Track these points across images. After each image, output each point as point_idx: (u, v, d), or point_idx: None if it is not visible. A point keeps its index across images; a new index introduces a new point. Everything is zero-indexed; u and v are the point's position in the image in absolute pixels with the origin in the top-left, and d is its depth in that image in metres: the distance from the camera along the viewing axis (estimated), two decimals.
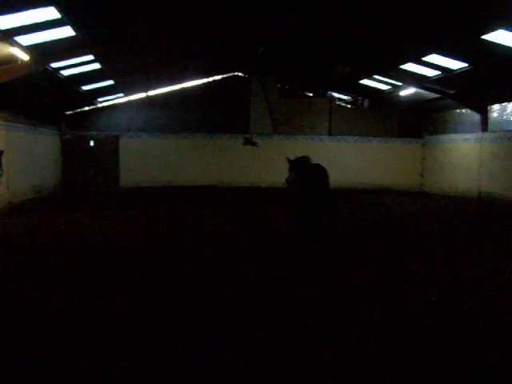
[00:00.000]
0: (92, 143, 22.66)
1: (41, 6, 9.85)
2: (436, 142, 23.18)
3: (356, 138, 24.08)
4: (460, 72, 16.27)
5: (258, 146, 22.85)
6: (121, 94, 22.48)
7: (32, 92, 16.04)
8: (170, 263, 8.17)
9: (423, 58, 16.19)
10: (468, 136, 20.78)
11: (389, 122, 24.52)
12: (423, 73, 17.89)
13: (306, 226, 9.25)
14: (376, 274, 7.63)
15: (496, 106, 19.65)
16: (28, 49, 11.64)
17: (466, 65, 15.69)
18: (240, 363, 4.34)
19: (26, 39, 11.43)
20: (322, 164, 9.43)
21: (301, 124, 23.85)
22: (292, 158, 9.70)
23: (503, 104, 19.27)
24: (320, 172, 9.19)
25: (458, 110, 21.93)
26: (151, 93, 23.36)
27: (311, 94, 26.26)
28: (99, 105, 22.95)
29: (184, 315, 5.58)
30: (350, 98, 26.76)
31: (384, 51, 16.58)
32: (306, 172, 9.26)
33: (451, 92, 19.15)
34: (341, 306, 5.99)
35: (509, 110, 19.17)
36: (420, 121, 24.36)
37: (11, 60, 11.90)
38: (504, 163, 18.45)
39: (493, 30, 12.34)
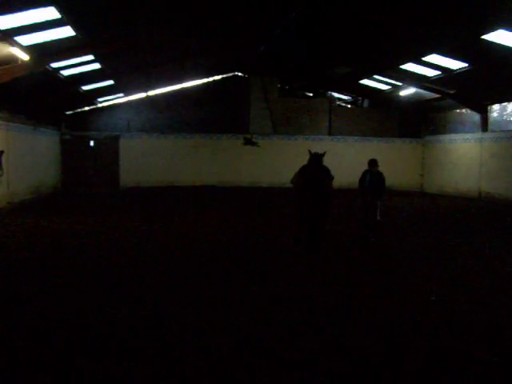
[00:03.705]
0: (92, 143, 22.65)
1: (41, 6, 9.85)
2: (436, 142, 23.18)
3: (356, 137, 24.10)
4: (460, 72, 16.27)
5: (258, 146, 22.86)
6: (121, 94, 22.48)
7: (32, 92, 16.03)
8: (168, 264, 8.18)
9: (423, 58, 16.17)
10: (468, 136, 20.79)
11: (389, 122, 24.53)
12: (423, 73, 17.88)
13: (306, 225, 9.25)
14: (376, 274, 7.64)
15: (496, 106, 19.65)
16: (28, 49, 11.64)
17: (466, 65, 15.69)
18: (240, 363, 4.35)
19: (26, 39, 11.42)
20: (323, 164, 9.41)
21: (301, 124, 23.85)
22: (313, 151, 9.62)
23: (503, 104, 19.27)
24: (322, 173, 9.18)
25: (457, 110, 21.93)
26: (151, 93, 23.35)
27: (311, 94, 26.26)
28: (99, 105, 22.95)
29: (184, 314, 5.59)
30: (350, 98, 26.77)
31: (384, 51, 16.57)
32: (307, 172, 9.24)
33: (451, 92, 19.15)
34: (341, 306, 5.99)
35: (509, 110, 19.17)
36: (420, 121, 24.36)
37: (11, 60, 11.90)
38: (504, 163, 18.45)
39: (493, 30, 12.34)
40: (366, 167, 10.46)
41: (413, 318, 5.58)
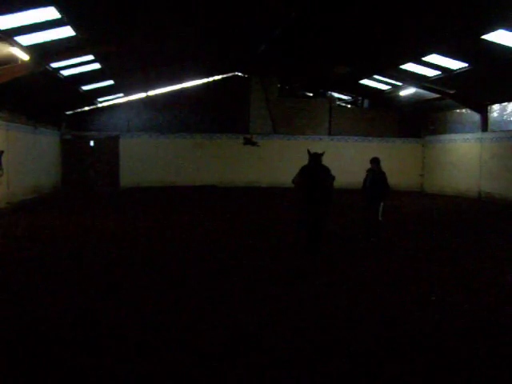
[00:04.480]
0: (92, 143, 22.65)
1: (41, 6, 9.85)
2: (436, 142, 23.18)
3: (356, 137, 24.11)
4: (460, 72, 16.27)
5: (258, 146, 22.86)
6: (121, 94, 22.48)
7: (32, 92, 16.03)
8: (167, 262, 8.18)
9: (423, 58, 16.18)
10: (468, 136, 20.78)
11: (389, 122, 24.53)
12: (423, 73, 17.89)
13: (307, 225, 9.24)
14: (376, 273, 7.64)
15: (496, 106, 19.65)
16: (28, 49, 11.64)
17: (466, 65, 15.69)
18: (239, 363, 4.35)
19: (26, 39, 11.42)
20: (324, 164, 9.41)
21: (301, 124, 23.86)
22: (312, 151, 9.61)
23: (503, 104, 19.26)
24: (322, 173, 9.17)
25: (458, 110, 21.93)
26: (151, 93, 23.36)
27: (311, 94, 26.26)
28: (99, 105, 22.95)
29: (183, 313, 5.59)
30: (350, 98, 26.77)
31: (384, 51, 16.57)
32: (308, 172, 9.24)
33: (451, 92, 19.15)
34: (341, 306, 5.99)
35: (509, 110, 19.17)
36: (420, 121, 24.36)
37: (11, 60, 11.90)
38: (504, 163, 18.45)
39: (493, 30, 12.34)
40: (365, 167, 10.44)
41: (413, 318, 5.58)
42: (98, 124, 23.02)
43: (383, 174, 10.12)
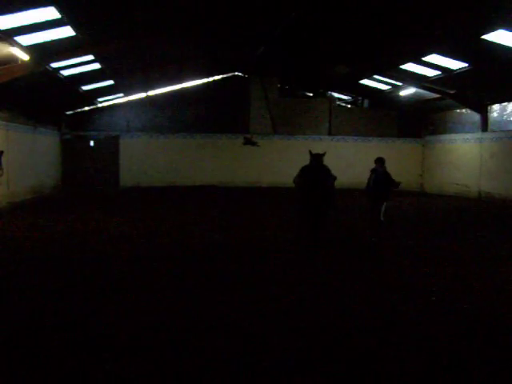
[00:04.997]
0: (92, 143, 22.65)
1: (41, 6, 9.86)
2: (436, 142, 23.18)
3: (356, 137, 24.10)
4: (460, 72, 16.27)
5: (258, 146, 22.86)
6: (121, 94, 22.48)
7: (32, 92, 16.03)
8: (167, 264, 8.18)
9: (423, 58, 16.18)
10: (468, 136, 20.79)
11: (389, 122, 24.53)
12: (423, 73, 17.89)
13: (307, 225, 9.25)
14: (377, 273, 7.64)
15: (496, 106, 19.64)
16: (28, 49, 11.64)
17: (466, 65, 15.69)
18: (239, 363, 4.35)
19: (26, 39, 11.43)
20: (325, 164, 9.43)
21: (301, 124, 23.86)
22: (313, 151, 9.62)
23: (503, 104, 19.26)
24: (323, 173, 9.19)
25: (458, 110, 21.93)
26: (151, 93, 23.36)
27: (311, 94, 26.26)
28: (99, 105, 22.95)
29: (182, 314, 5.59)
30: (350, 98, 26.77)
31: (384, 51, 16.57)
32: (309, 172, 9.26)
33: (451, 92, 19.15)
34: (341, 306, 5.99)
35: (509, 110, 19.17)
36: (420, 121, 24.36)
37: (11, 60, 11.91)
38: (504, 163, 18.45)
39: (493, 30, 12.34)
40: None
41: (413, 318, 5.58)
42: (98, 124, 23.03)
43: (387, 174, 10.10)
